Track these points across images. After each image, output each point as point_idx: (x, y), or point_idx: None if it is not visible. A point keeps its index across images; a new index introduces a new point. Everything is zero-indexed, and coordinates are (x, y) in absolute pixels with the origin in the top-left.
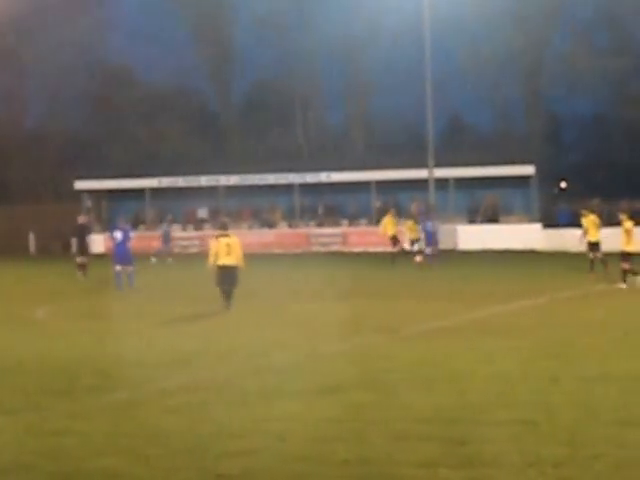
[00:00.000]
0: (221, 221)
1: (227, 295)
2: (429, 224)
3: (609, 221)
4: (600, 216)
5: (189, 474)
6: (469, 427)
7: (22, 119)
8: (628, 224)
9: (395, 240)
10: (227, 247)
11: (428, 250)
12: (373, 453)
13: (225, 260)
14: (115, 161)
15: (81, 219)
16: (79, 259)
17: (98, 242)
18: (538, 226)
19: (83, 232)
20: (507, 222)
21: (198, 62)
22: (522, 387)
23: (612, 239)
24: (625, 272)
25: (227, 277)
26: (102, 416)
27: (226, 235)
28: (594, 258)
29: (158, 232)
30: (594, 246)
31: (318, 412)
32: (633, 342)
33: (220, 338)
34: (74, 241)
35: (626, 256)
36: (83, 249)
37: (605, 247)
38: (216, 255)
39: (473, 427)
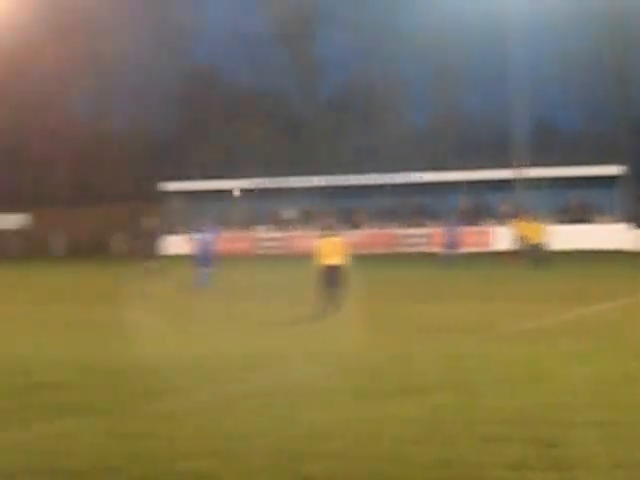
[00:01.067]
0: (326, 221)
1: (333, 296)
2: (454, 228)
3: None
4: None
5: (275, 476)
6: (556, 429)
7: (109, 120)
8: None
9: (535, 247)
10: (334, 247)
11: (449, 252)
12: (458, 455)
13: (332, 260)
14: (201, 162)
15: (150, 221)
16: (150, 262)
17: (182, 243)
18: (628, 226)
19: (153, 234)
20: (596, 222)
21: (284, 63)
22: (610, 388)
23: None
24: None
25: (334, 277)
26: (188, 418)
27: (332, 235)
28: None
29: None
30: None
31: (403, 413)
32: None
33: (308, 339)
34: (143, 243)
35: None
36: (152, 252)
37: None
38: (323, 255)
39: (561, 429)
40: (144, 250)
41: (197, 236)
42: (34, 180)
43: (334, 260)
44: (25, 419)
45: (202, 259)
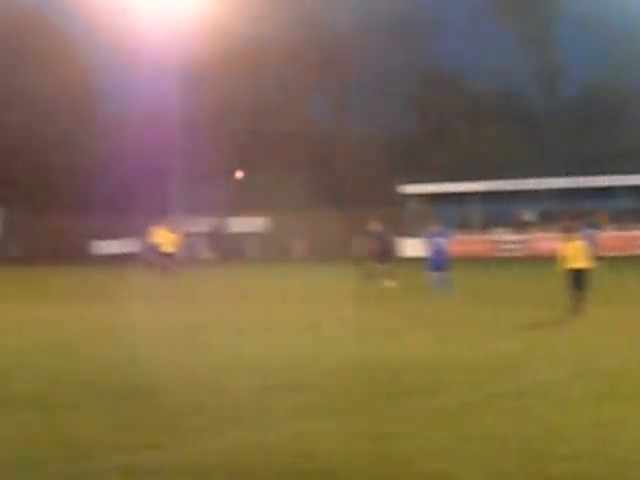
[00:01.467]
0: (566, 225)
1: (577, 299)
2: (590, 231)
3: None
4: None
5: (518, 477)
6: None
7: (348, 123)
8: None
9: None
10: (577, 250)
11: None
12: None
13: (575, 263)
14: (439, 164)
15: (375, 225)
16: (381, 266)
17: (420, 247)
18: None
19: (381, 238)
20: None
21: (523, 63)
22: None
23: None
24: None
25: (578, 280)
26: (432, 420)
27: (575, 238)
28: None
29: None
30: None
31: None
32: None
33: (553, 341)
34: (372, 246)
35: None
36: (384, 255)
37: None
38: (566, 259)
39: None
40: (372, 252)
41: (431, 239)
42: (274, 184)
43: (578, 263)
44: (267, 420)
45: (435, 262)
